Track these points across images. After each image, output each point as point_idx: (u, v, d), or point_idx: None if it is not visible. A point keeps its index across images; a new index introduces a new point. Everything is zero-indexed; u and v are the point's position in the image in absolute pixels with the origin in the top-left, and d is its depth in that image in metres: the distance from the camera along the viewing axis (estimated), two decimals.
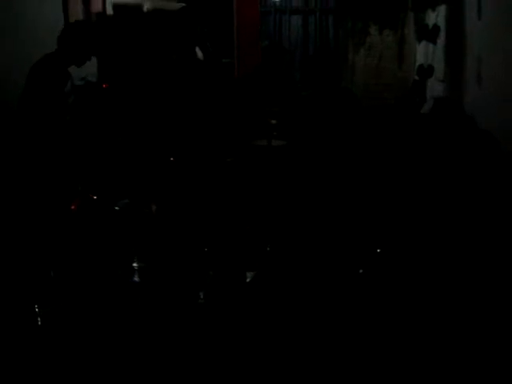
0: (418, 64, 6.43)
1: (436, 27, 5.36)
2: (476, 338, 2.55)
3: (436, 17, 5.36)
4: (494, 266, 2.98)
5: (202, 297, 2.50)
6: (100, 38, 3.70)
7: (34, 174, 3.21)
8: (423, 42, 5.90)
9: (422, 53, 6.52)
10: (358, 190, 3.84)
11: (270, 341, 2.43)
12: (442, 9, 5.35)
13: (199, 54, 5.50)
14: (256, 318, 2.50)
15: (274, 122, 5.19)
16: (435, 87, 5.81)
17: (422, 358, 2.45)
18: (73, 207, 2.78)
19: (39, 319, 2.25)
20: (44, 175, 3.22)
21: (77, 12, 4.92)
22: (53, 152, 3.28)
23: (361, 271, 2.98)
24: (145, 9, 5.47)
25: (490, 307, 2.74)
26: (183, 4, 5.66)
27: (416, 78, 6.13)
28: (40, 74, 3.35)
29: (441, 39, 5.48)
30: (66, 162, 3.37)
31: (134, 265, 2.64)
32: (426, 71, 5.79)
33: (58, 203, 2.98)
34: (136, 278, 2.60)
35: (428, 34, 5.41)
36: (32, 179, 3.20)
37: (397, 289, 2.95)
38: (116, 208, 2.83)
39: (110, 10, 5.63)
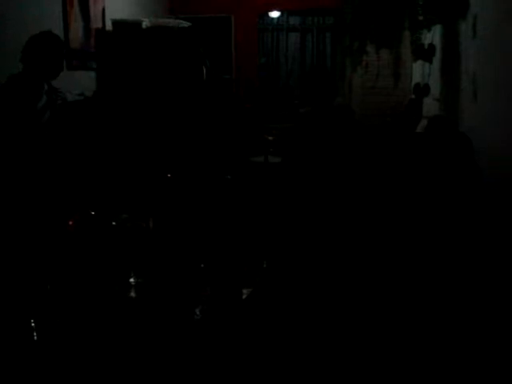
0: (414, 82, 6.49)
1: (432, 46, 5.42)
2: (473, 338, 2.57)
3: (432, 36, 5.41)
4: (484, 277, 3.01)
5: (198, 313, 2.50)
6: (64, 46, 3.60)
7: (27, 187, 3.21)
8: (419, 61, 5.96)
9: (419, 71, 6.58)
10: (354, 206, 3.85)
11: (267, 357, 2.43)
12: (438, 28, 5.41)
13: (204, 73, 5.55)
14: (252, 335, 2.50)
15: (270, 138, 5.22)
16: (431, 106, 5.86)
17: (422, 358, 2.47)
18: (70, 222, 2.78)
19: (35, 334, 2.24)
20: (39, 189, 3.22)
21: (77, 29, 4.95)
22: (38, 168, 3.24)
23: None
24: (144, 25, 5.51)
25: (481, 310, 2.76)
26: (182, 21, 5.71)
27: (412, 96, 6.18)
28: (7, 93, 3.25)
29: (436, 58, 5.53)
30: (61, 177, 3.37)
31: (131, 280, 2.64)
32: (422, 90, 5.84)
33: (55, 218, 2.98)
34: (133, 294, 2.60)
35: (424, 53, 5.47)
36: (27, 193, 3.21)
37: (392, 303, 2.97)
38: (114, 223, 2.83)
39: (109, 27, 5.68)
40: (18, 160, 3.21)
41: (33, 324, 2.27)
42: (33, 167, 3.24)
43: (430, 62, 5.54)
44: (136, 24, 5.51)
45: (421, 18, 5.27)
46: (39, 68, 3.36)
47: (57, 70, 3.47)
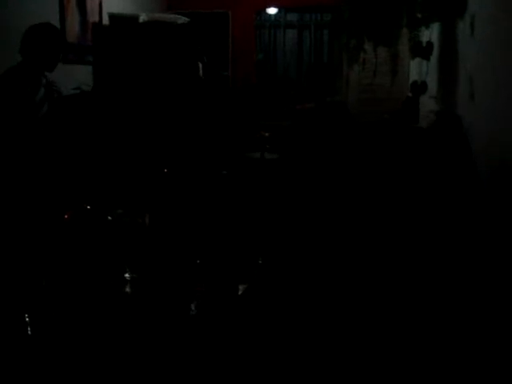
0: (411, 80, 6.49)
1: (430, 44, 5.42)
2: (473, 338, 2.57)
3: (430, 34, 5.41)
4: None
5: (193, 309, 2.49)
6: (63, 38, 3.58)
7: (24, 181, 3.20)
8: (417, 59, 5.96)
9: (416, 69, 6.58)
10: (350, 202, 3.85)
11: (262, 353, 2.43)
12: (436, 26, 5.41)
13: (201, 69, 5.53)
14: (248, 331, 2.50)
15: (267, 134, 5.22)
16: (428, 103, 5.86)
17: (422, 357, 2.47)
18: (66, 216, 2.77)
19: (29, 328, 2.23)
20: (35, 183, 3.21)
21: (74, 22, 4.93)
22: (36, 162, 3.23)
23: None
24: (140, 19, 5.49)
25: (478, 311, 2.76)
26: (179, 16, 5.69)
27: (409, 94, 6.19)
28: (6, 85, 3.24)
29: (434, 56, 5.53)
30: (57, 171, 3.36)
31: (126, 275, 2.63)
32: (420, 87, 5.85)
33: (50, 212, 2.97)
34: (128, 289, 2.59)
35: (422, 50, 5.46)
36: (23, 187, 3.19)
37: (388, 296, 2.97)
38: (109, 218, 2.82)
39: (106, 21, 5.65)
40: (15, 153, 3.20)
41: (27, 319, 2.25)
42: (29, 160, 3.23)
43: (428, 59, 5.54)
44: (133, 18, 5.49)
45: (419, 15, 5.27)
46: (37, 59, 3.35)
47: (54, 62, 3.45)
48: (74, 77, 4.82)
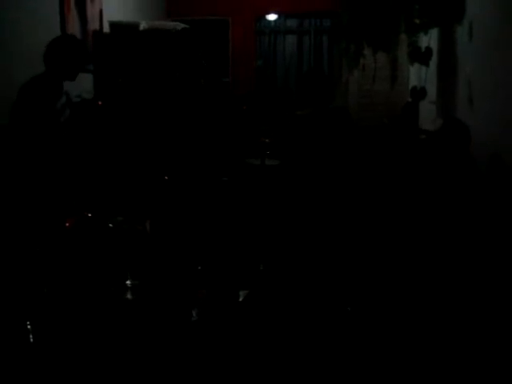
0: (411, 85, 6.51)
1: (428, 50, 5.44)
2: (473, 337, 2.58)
3: (428, 39, 5.43)
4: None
5: (194, 315, 2.50)
6: (85, 50, 3.72)
7: (28, 189, 3.22)
8: (416, 64, 5.98)
9: (415, 74, 6.60)
10: (352, 208, 3.86)
11: (263, 359, 2.43)
12: (435, 32, 5.43)
13: (201, 75, 5.55)
14: (249, 337, 2.50)
15: (267, 140, 5.23)
16: (428, 108, 5.88)
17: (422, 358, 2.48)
18: (67, 224, 2.79)
19: (31, 336, 2.24)
20: (38, 191, 3.23)
21: (74, 30, 4.95)
22: (46, 169, 3.29)
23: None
24: (141, 27, 5.51)
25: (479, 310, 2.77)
26: (179, 23, 5.72)
27: (409, 99, 6.21)
28: (30, 93, 3.36)
29: (433, 61, 5.55)
30: (61, 178, 3.38)
31: (128, 282, 2.64)
32: (419, 93, 5.87)
33: (52, 220, 2.99)
34: (129, 296, 2.60)
35: (421, 56, 5.48)
36: (26, 195, 3.21)
37: (390, 305, 2.97)
38: (110, 225, 2.83)
39: (106, 29, 5.68)
40: (33, 157, 3.26)
41: (29, 326, 2.26)
42: (41, 166, 3.29)
43: (427, 65, 5.56)
44: (133, 26, 5.51)
45: (417, 21, 5.29)
46: (60, 69, 3.47)
47: (76, 72, 3.59)
48: (75, 85, 4.84)
